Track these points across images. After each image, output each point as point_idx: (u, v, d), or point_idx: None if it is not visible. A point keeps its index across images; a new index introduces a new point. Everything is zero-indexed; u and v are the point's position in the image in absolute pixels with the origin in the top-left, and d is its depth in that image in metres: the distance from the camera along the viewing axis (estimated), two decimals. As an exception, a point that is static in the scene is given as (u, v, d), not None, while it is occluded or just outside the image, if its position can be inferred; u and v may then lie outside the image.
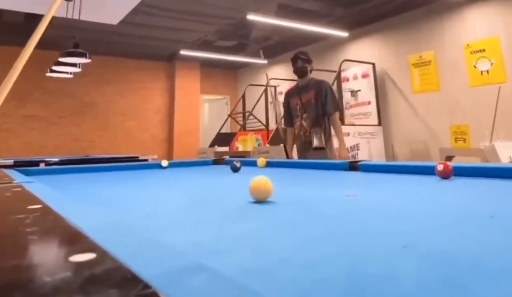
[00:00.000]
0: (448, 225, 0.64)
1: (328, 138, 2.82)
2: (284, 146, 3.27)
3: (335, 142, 2.89)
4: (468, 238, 0.54)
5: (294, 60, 2.91)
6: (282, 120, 2.91)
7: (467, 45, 4.73)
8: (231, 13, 5.09)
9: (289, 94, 3.07)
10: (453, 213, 0.74)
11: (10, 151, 5.91)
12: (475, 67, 4.66)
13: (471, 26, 4.71)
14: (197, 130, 7.96)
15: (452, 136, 4.88)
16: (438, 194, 1.02)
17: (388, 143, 5.55)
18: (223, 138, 6.35)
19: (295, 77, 3.00)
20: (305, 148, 2.86)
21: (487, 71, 4.56)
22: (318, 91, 2.82)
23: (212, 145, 6.15)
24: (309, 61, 2.90)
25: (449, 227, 0.62)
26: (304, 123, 2.87)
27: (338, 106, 2.87)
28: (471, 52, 4.69)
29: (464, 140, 4.74)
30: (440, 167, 1.23)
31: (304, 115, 2.87)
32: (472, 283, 0.36)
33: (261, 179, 0.88)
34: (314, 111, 2.82)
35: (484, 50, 4.58)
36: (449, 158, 3.86)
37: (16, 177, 1.20)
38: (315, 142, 2.76)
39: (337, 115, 2.86)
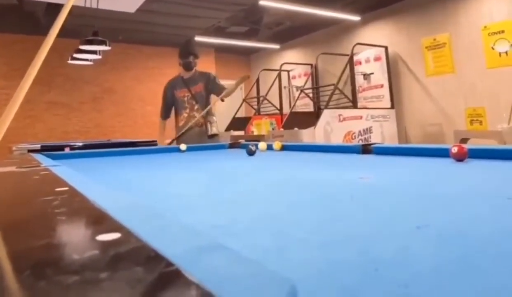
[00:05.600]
0: (463, 206, 0.63)
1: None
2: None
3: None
4: (483, 220, 0.53)
5: (185, 55, 2.95)
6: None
7: (485, 27, 4.55)
8: (243, -1, 5.02)
9: (172, 86, 3.08)
10: (468, 195, 0.72)
11: (36, 136, 6.13)
12: (493, 48, 4.48)
13: (489, 8, 4.52)
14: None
15: (467, 119, 4.74)
16: (452, 176, 0.99)
17: (401, 126, 5.44)
18: (238, 122, 6.37)
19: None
20: (201, 137, 2.94)
21: (506, 53, 4.39)
22: (206, 83, 3.01)
23: (228, 129, 6.18)
24: (198, 57, 3.02)
25: (464, 208, 0.61)
26: (197, 114, 2.99)
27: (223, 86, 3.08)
28: (489, 34, 4.52)
29: (480, 122, 4.60)
30: (454, 149, 1.20)
31: (196, 106, 3.00)
32: (487, 264, 0.35)
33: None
34: (206, 102, 3.00)
35: (503, 32, 4.40)
36: (464, 140, 3.73)
37: (43, 161, 1.25)
38: (213, 130, 3.01)
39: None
